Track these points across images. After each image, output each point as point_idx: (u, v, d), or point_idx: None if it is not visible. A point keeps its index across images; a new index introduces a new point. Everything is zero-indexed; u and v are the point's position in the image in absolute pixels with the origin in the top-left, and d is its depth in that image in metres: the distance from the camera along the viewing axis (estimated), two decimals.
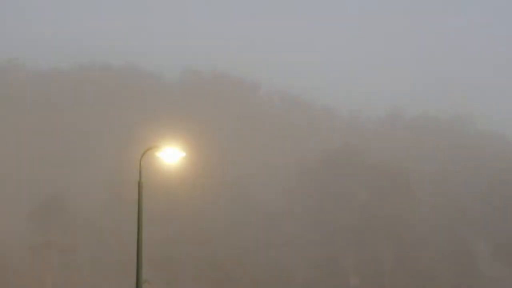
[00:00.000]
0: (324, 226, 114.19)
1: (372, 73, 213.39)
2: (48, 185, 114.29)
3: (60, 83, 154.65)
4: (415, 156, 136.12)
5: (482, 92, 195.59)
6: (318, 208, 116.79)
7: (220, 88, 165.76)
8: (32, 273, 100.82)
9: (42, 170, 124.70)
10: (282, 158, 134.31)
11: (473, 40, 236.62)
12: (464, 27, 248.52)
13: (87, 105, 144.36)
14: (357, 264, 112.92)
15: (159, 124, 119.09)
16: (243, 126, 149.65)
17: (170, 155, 27.94)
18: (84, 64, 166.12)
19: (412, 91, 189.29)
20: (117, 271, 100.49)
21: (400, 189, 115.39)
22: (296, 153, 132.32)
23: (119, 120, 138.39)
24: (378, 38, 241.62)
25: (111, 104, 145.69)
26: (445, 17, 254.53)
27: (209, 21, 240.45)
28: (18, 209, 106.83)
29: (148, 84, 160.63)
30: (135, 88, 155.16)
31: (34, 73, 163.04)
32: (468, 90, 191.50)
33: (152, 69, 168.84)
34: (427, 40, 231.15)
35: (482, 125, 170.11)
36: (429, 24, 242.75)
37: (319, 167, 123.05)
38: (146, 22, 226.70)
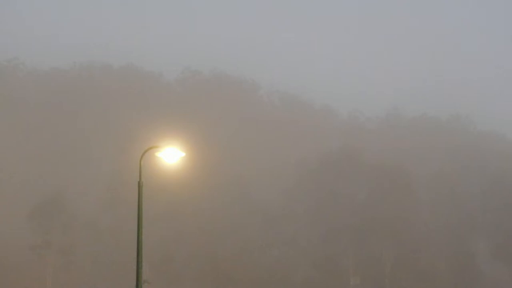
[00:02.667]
0: (324, 226, 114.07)
1: (372, 73, 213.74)
2: (48, 185, 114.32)
3: (60, 83, 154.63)
4: (415, 156, 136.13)
5: (482, 92, 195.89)
6: (318, 208, 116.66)
7: (220, 88, 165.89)
8: (32, 273, 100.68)
9: (42, 170, 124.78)
10: (282, 158, 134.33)
11: (473, 40, 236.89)
12: (464, 27, 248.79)
13: (87, 105, 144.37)
14: (357, 264, 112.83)
15: (159, 124, 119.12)
16: (243, 126, 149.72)
17: (170, 155, 27.88)
18: (84, 64, 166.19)
19: (412, 91, 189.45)
20: (117, 271, 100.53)
21: (400, 189, 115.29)
22: (296, 153, 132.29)
23: (119, 120, 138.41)
24: (378, 38, 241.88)
25: (111, 104, 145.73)
26: (445, 17, 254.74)
27: (209, 21, 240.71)
28: (18, 209, 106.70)
29: (148, 84, 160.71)
30: (135, 88, 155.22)
31: (34, 73, 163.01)
32: (468, 90, 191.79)
33: (152, 69, 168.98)
34: (427, 40, 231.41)
35: (482, 125, 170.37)
36: (429, 24, 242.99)
37: (319, 167, 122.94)
38: (146, 22, 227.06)
